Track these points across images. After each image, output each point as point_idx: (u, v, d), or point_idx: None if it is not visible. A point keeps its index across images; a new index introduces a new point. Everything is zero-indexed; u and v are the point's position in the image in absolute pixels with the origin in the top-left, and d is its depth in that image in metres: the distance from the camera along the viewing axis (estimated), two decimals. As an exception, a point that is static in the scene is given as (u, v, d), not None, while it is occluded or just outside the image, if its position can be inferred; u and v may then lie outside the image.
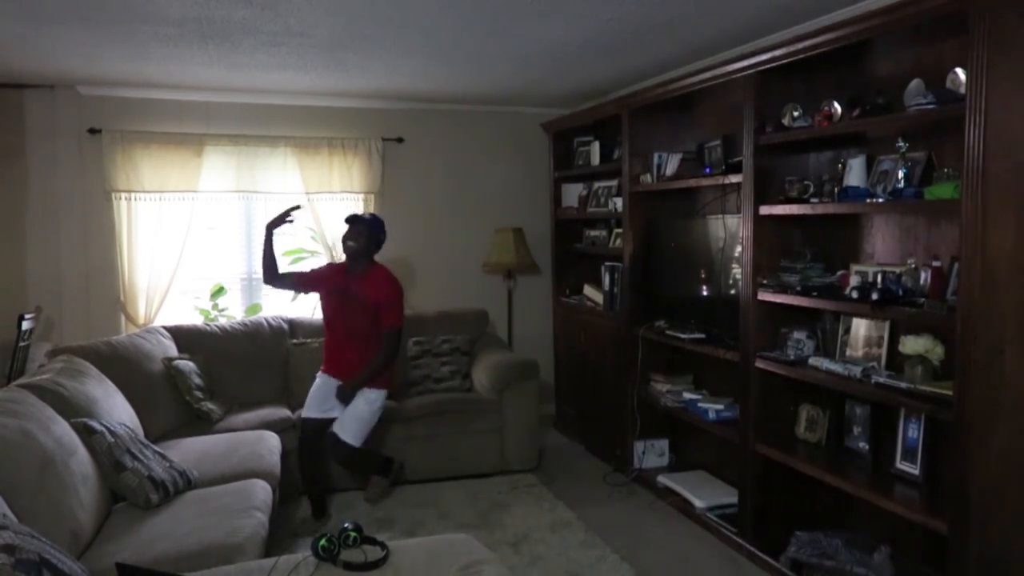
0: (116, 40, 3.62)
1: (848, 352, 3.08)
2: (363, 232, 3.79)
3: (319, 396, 3.86)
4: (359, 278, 3.81)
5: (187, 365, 4.10)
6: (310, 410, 3.85)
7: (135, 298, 4.83)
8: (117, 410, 3.26)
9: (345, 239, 3.80)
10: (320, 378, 3.92)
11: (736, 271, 3.54)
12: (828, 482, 2.94)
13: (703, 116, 4.17)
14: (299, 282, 4.05)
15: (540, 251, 5.58)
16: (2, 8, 3.12)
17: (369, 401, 3.81)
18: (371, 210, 5.24)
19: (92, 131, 4.74)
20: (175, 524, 2.64)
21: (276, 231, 3.89)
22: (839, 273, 3.10)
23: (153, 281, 4.84)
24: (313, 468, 3.82)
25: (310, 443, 3.80)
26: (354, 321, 3.80)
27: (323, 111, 5.20)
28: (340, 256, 5.22)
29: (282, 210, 3.88)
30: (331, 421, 3.80)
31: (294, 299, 5.15)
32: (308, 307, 5.19)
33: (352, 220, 3.83)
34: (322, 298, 3.95)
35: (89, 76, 4.47)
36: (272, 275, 3.92)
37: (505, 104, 5.53)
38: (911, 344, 2.64)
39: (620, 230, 4.57)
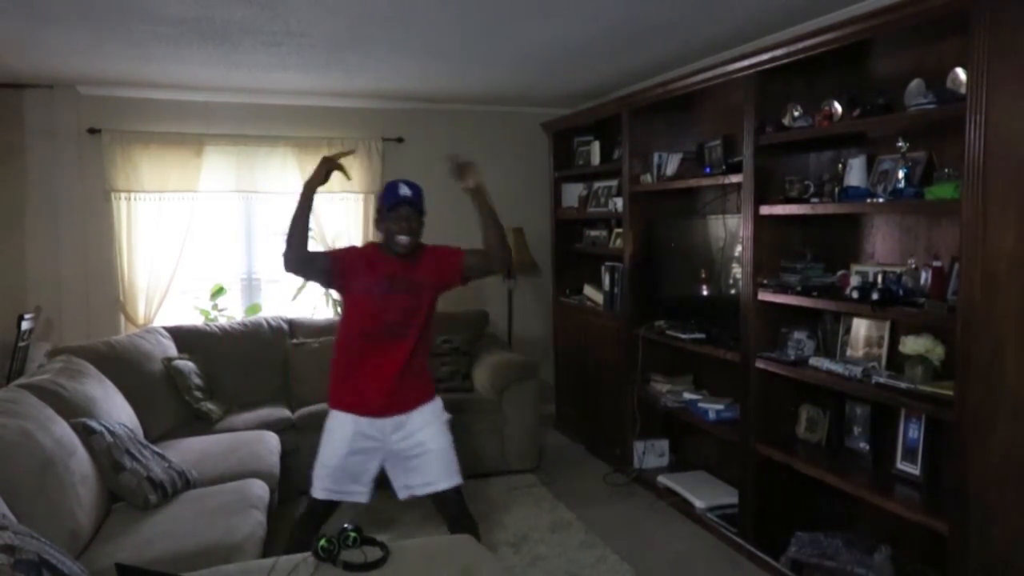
0: (116, 40, 3.62)
1: (848, 352, 3.08)
2: (415, 216, 2.76)
3: (349, 464, 2.68)
4: (415, 264, 2.78)
5: (187, 365, 4.10)
6: (331, 483, 2.68)
7: (135, 298, 4.83)
8: (116, 410, 3.26)
9: (394, 233, 2.71)
10: (342, 423, 2.71)
11: (736, 271, 3.54)
12: (828, 482, 2.94)
13: (703, 116, 4.17)
14: (331, 270, 2.74)
15: (540, 251, 5.58)
16: (2, 8, 3.12)
17: (444, 419, 2.82)
18: (371, 210, 5.24)
19: (92, 131, 4.74)
20: (173, 524, 2.64)
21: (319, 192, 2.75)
22: (839, 273, 3.10)
23: (153, 281, 4.85)
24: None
25: (316, 521, 2.73)
26: (407, 318, 2.73)
27: (323, 111, 5.20)
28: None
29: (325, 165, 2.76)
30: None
31: (295, 298, 5.14)
32: (308, 307, 5.19)
33: (398, 204, 2.72)
34: (356, 295, 2.74)
35: (89, 76, 4.46)
36: (302, 254, 2.64)
37: (505, 104, 5.53)
38: (911, 344, 2.64)
39: (620, 230, 4.56)
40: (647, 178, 4.22)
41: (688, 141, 4.19)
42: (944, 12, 2.34)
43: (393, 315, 2.71)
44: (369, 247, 2.92)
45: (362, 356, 2.73)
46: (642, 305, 4.30)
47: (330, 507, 2.76)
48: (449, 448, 2.78)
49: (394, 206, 2.73)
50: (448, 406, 4.42)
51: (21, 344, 4.26)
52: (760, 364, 3.26)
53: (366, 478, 2.73)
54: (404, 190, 2.75)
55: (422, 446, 2.72)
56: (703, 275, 3.84)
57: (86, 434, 2.78)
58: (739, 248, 3.46)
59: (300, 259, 2.65)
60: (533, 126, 5.57)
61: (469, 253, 2.84)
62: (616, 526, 3.67)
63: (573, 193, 5.35)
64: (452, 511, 2.77)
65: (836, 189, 2.97)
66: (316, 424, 4.05)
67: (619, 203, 4.51)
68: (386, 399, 2.70)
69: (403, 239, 2.72)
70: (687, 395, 4.00)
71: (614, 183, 4.75)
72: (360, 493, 2.74)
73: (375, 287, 2.70)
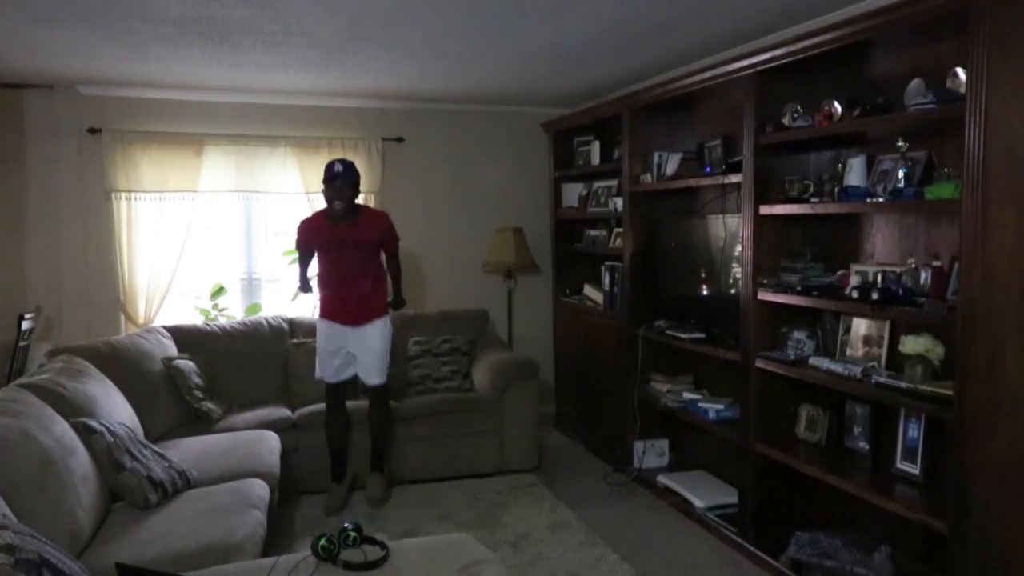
0: (116, 39, 3.62)
1: (848, 352, 3.08)
2: (345, 187, 3.70)
3: (336, 358, 3.89)
4: (351, 226, 3.77)
5: (187, 365, 4.10)
6: (329, 373, 3.92)
7: (135, 298, 4.83)
8: (117, 410, 3.26)
9: (332, 200, 3.71)
10: (328, 327, 3.88)
11: (736, 271, 3.54)
12: (828, 482, 2.94)
13: (703, 116, 4.17)
14: (309, 264, 4.00)
15: (540, 251, 5.58)
16: (2, 8, 3.12)
17: (384, 334, 3.90)
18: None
19: (92, 131, 4.74)
20: (174, 523, 2.64)
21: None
22: (839, 273, 3.10)
23: (153, 281, 4.85)
24: (338, 425, 3.99)
25: (335, 398, 3.98)
26: (358, 264, 3.81)
27: (323, 111, 5.20)
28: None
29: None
30: (348, 379, 3.97)
31: (295, 298, 5.15)
32: (308, 307, 5.19)
33: (330, 178, 3.70)
34: (319, 255, 3.90)
35: (89, 76, 4.47)
36: (306, 283, 4.05)
37: (505, 104, 5.53)
38: (911, 344, 2.64)
39: (620, 230, 4.56)
40: (647, 178, 4.22)
41: (688, 141, 4.19)
42: (944, 12, 2.34)
43: (350, 264, 3.82)
44: (315, 217, 3.92)
45: (336, 291, 3.90)
46: (642, 305, 4.30)
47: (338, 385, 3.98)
48: (384, 355, 3.93)
49: (329, 179, 3.71)
50: (448, 405, 4.54)
51: (21, 344, 4.26)
52: (760, 364, 3.27)
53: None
54: (337, 167, 3.72)
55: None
56: (703, 275, 3.85)
57: (86, 434, 2.78)
58: (739, 248, 3.46)
59: (307, 284, 4.05)
60: (533, 126, 5.57)
61: (392, 258, 4.04)
62: (616, 526, 3.67)
63: (573, 193, 5.35)
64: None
65: (836, 189, 2.97)
66: (316, 424, 4.09)
67: (619, 203, 4.51)
68: (354, 312, 3.86)
69: (338, 204, 3.72)
70: (687, 395, 4.01)
71: (614, 183, 4.75)
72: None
73: (329, 250, 3.82)
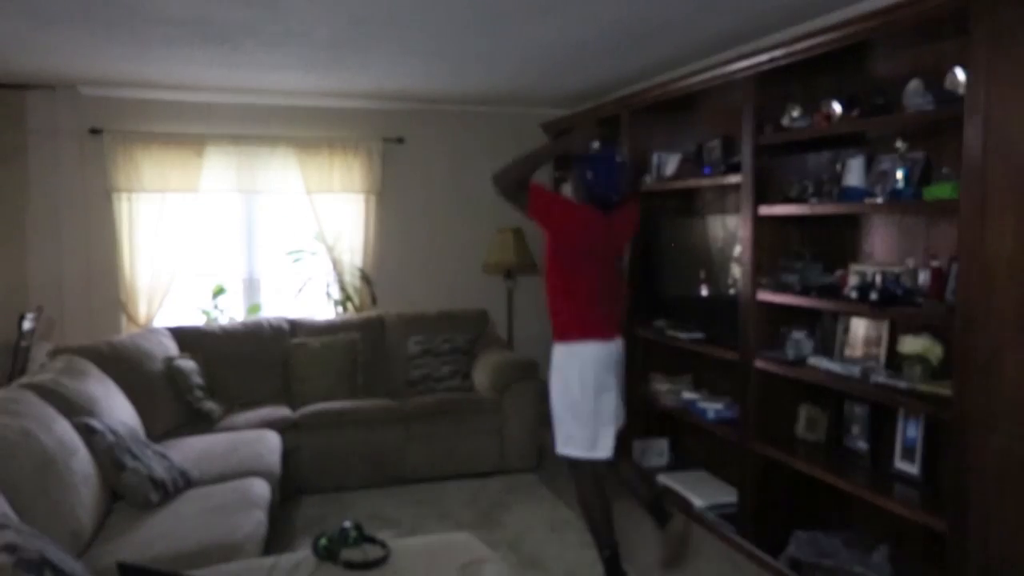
0: (117, 40, 3.63)
1: (847, 352, 3.09)
2: (625, 177, 2.99)
3: (611, 399, 2.91)
4: (617, 217, 3.02)
5: (188, 365, 4.11)
6: (601, 445, 2.89)
7: (136, 298, 4.84)
8: (118, 410, 3.27)
9: (610, 193, 2.92)
10: (592, 349, 2.87)
11: (735, 271, 3.55)
12: (828, 482, 2.94)
13: (703, 116, 4.17)
14: (538, 208, 2.94)
15: (540, 251, 5.58)
16: (2, 8, 3.13)
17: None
18: (372, 210, 5.25)
19: (93, 131, 4.75)
20: (175, 523, 2.65)
21: None
22: (838, 273, 3.10)
23: (154, 281, 4.86)
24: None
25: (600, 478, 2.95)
26: (615, 267, 3.09)
27: (323, 111, 5.21)
28: (343, 258, 5.20)
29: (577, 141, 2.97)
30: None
31: (300, 291, 5.15)
32: (308, 308, 5.19)
33: (616, 167, 2.94)
34: (575, 247, 2.93)
35: (90, 76, 4.47)
36: (521, 185, 2.99)
37: (505, 104, 5.54)
38: (910, 344, 2.64)
39: (620, 230, 4.56)
40: (647, 178, 4.23)
41: (687, 141, 4.19)
42: (944, 12, 2.35)
43: (611, 267, 3.09)
44: (584, 206, 3.03)
45: (596, 302, 3.00)
46: (642, 305, 4.30)
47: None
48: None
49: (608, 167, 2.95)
50: (448, 405, 4.46)
51: (23, 344, 4.27)
52: (759, 364, 3.27)
53: None
54: (618, 157, 3.00)
55: None
56: (703, 275, 3.85)
57: (88, 433, 2.79)
58: (738, 248, 3.46)
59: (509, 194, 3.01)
60: (533, 126, 5.57)
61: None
62: (616, 526, 3.66)
63: (573, 193, 5.35)
64: None
65: (835, 189, 2.98)
66: (317, 423, 4.10)
67: (619, 203, 4.51)
68: (616, 330, 3.04)
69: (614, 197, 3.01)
70: (686, 394, 4.01)
71: (614, 183, 4.75)
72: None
73: (600, 249, 3.02)
